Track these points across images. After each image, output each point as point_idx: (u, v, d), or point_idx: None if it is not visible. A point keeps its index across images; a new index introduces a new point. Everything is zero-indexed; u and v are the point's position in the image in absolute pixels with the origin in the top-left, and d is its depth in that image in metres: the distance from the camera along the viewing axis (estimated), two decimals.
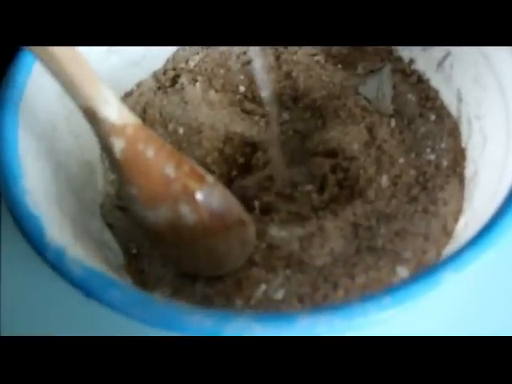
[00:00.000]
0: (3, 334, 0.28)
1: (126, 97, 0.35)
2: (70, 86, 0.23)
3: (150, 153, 0.24)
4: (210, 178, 0.27)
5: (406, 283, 0.20)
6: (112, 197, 0.32)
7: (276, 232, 0.30)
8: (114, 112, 0.23)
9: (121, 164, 0.24)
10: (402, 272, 0.28)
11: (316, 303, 0.28)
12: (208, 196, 0.26)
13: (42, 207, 0.24)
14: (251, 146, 0.33)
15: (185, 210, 0.25)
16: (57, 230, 0.24)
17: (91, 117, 0.23)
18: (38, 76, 0.27)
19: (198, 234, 0.26)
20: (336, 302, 0.26)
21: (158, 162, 0.25)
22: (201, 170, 0.27)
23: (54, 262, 0.22)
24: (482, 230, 0.22)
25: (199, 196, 0.26)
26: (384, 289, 0.20)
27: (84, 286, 0.21)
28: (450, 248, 0.28)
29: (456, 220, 0.29)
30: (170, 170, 0.25)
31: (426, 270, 0.20)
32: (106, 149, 0.24)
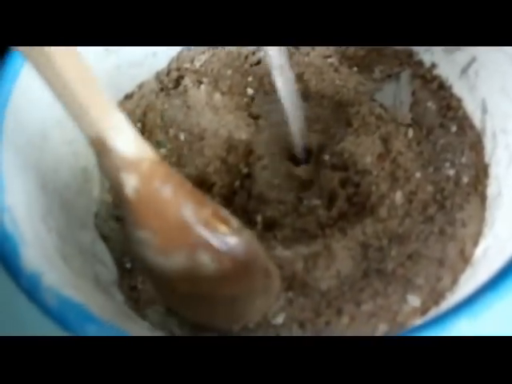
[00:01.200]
0: None
1: (126, 99, 0.33)
2: (73, 108, 0.20)
3: (168, 192, 0.21)
4: (235, 223, 0.23)
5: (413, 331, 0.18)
6: (108, 205, 0.30)
7: (279, 250, 0.28)
8: (128, 142, 0.20)
9: (132, 204, 0.21)
10: (413, 301, 0.25)
11: (318, 330, 0.26)
12: (232, 243, 0.23)
13: (22, 224, 0.23)
14: (257, 155, 0.31)
15: (205, 258, 0.22)
16: (36, 250, 0.22)
17: (99, 147, 0.20)
18: (26, 80, 0.26)
19: (218, 285, 0.23)
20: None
21: (176, 202, 0.22)
22: (225, 213, 0.23)
23: (29, 290, 0.20)
24: (506, 266, 0.20)
25: (222, 243, 0.22)
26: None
27: (59, 319, 0.20)
28: (467, 275, 0.26)
29: (475, 244, 0.27)
30: (189, 213, 0.22)
31: (434, 319, 0.18)
32: (115, 185, 0.21)
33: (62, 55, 0.19)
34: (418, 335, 0.18)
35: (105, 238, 0.29)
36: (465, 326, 0.18)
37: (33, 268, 0.21)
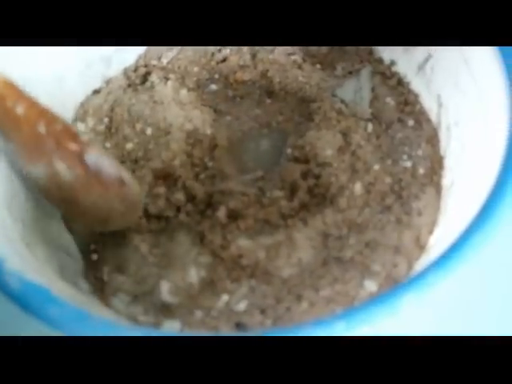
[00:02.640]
0: None
1: (94, 94, 0.33)
2: None
3: (20, 110, 0.25)
4: (84, 139, 0.27)
5: (361, 308, 0.19)
6: None
7: (242, 240, 0.28)
8: None
9: None
10: (370, 286, 0.26)
11: (278, 316, 0.26)
12: (83, 154, 0.26)
13: None
14: (222, 149, 0.31)
15: (61, 166, 0.25)
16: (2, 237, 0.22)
17: None
18: None
19: (78, 191, 0.26)
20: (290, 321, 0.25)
21: (30, 119, 0.25)
22: (74, 129, 0.28)
23: None
24: (450, 248, 0.21)
25: (73, 153, 0.26)
26: (338, 313, 0.19)
27: (21, 301, 0.20)
28: (422, 262, 0.27)
29: (430, 232, 0.28)
30: (42, 128, 0.25)
31: (383, 294, 0.19)
32: None
33: None
34: (366, 312, 0.19)
35: (71, 231, 0.30)
36: (410, 303, 0.19)
37: None
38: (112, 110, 0.33)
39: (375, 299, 0.19)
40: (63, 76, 0.32)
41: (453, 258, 0.20)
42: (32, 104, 0.25)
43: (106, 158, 0.27)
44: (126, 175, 0.28)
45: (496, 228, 0.21)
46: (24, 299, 0.20)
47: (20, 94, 0.25)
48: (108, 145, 0.32)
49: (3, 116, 0.24)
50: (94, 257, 0.29)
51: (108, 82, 0.34)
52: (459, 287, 0.20)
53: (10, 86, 0.25)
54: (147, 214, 0.30)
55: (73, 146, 0.26)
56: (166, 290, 0.27)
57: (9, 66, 0.27)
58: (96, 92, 0.33)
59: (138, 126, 0.32)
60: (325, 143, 0.30)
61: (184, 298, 0.27)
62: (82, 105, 0.33)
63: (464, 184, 0.27)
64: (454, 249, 0.20)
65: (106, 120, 0.33)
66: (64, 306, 0.20)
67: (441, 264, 0.20)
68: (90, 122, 0.33)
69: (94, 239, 0.29)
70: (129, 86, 0.34)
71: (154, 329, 0.25)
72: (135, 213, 0.29)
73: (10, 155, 0.26)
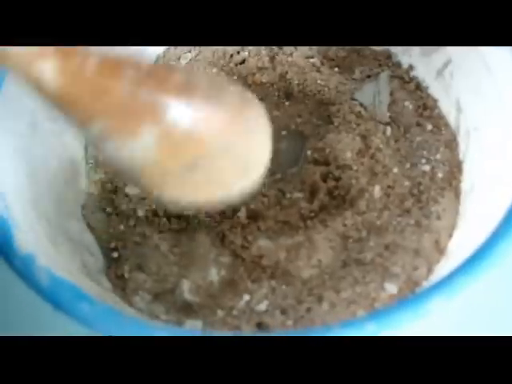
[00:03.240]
0: None
1: None
2: None
3: (92, 67, 0.18)
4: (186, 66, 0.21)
5: (390, 310, 0.19)
6: (95, 198, 0.31)
7: (262, 241, 0.29)
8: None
9: (62, 95, 0.18)
10: (391, 288, 0.27)
11: (299, 316, 0.27)
12: (192, 86, 0.19)
13: (14, 210, 0.23)
14: None
15: (175, 114, 0.19)
16: (28, 235, 0.23)
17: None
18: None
19: (203, 140, 0.20)
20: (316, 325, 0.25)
21: (112, 76, 0.18)
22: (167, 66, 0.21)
23: (22, 270, 0.21)
24: (477, 252, 0.21)
25: (181, 87, 0.19)
26: (368, 314, 0.19)
27: (52, 298, 0.20)
28: (441, 265, 0.27)
29: (450, 236, 0.28)
30: (126, 84, 0.18)
31: (413, 296, 0.19)
32: (34, 85, 0.17)
33: None
34: (395, 315, 0.19)
35: (92, 229, 0.30)
36: (439, 306, 0.19)
37: (26, 249, 0.21)
38: None
39: (404, 302, 0.19)
40: None
41: (481, 261, 0.20)
42: (106, 58, 0.18)
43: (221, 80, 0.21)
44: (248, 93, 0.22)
45: None
46: (54, 296, 0.20)
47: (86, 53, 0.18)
48: None
49: (75, 83, 0.17)
50: (115, 255, 0.29)
51: None
52: (485, 290, 0.20)
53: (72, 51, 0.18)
54: (167, 214, 0.30)
55: (176, 78, 0.19)
56: (186, 289, 0.28)
57: None
58: None
59: None
60: (344, 146, 0.31)
61: (205, 298, 0.28)
62: None
63: (484, 188, 0.27)
64: (481, 252, 0.21)
65: None
66: (94, 303, 0.20)
67: (469, 267, 0.20)
68: None
69: (115, 237, 0.30)
70: None
71: (179, 328, 0.25)
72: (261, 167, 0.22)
73: (93, 141, 0.20)
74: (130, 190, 0.31)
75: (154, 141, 0.19)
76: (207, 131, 0.20)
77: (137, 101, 0.18)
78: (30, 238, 0.22)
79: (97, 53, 0.18)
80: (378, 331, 0.19)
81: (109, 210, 0.31)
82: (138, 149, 0.19)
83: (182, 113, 0.19)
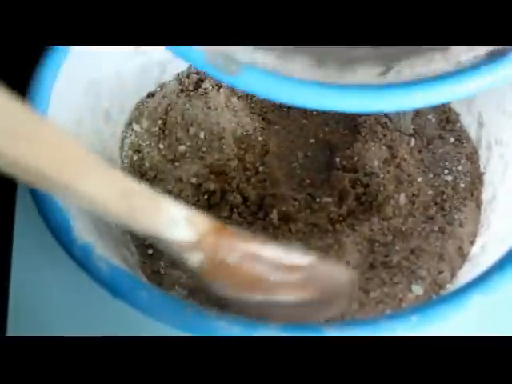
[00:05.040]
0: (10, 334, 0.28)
1: (149, 97, 0.35)
2: (127, 220, 0.20)
3: (235, 258, 0.22)
4: (306, 258, 0.24)
5: (433, 303, 0.21)
6: None
7: (294, 242, 0.30)
8: (185, 231, 0.20)
9: (202, 274, 0.22)
10: (417, 290, 0.28)
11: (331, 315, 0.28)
12: (304, 274, 0.23)
13: (69, 204, 0.24)
14: (272, 155, 0.33)
15: (284, 294, 0.23)
16: (84, 225, 0.24)
17: (159, 239, 0.21)
18: (67, 70, 0.27)
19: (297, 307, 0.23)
20: (361, 318, 0.26)
21: (246, 264, 0.22)
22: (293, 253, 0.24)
23: (81, 259, 0.22)
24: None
25: (296, 277, 0.23)
26: (411, 307, 0.20)
27: (111, 285, 0.21)
28: (464, 270, 0.28)
29: (472, 242, 0.29)
30: (263, 266, 0.22)
31: (454, 291, 0.21)
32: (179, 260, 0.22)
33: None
34: (436, 308, 0.20)
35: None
36: (478, 301, 0.21)
37: (85, 239, 0.22)
38: (166, 113, 0.34)
39: (444, 297, 0.21)
40: (122, 78, 0.33)
41: None
42: (246, 243, 0.22)
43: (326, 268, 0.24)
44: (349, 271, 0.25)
45: None
46: (114, 283, 0.21)
47: (232, 239, 0.22)
48: (161, 146, 0.34)
49: (215, 269, 0.21)
50: (150, 251, 0.30)
51: (162, 86, 0.35)
52: None
53: (222, 233, 0.22)
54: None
55: (297, 276, 0.23)
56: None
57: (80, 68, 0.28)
58: (151, 95, 0.35)
59: (192, 130, 0.34)
60: (372, 155, 0.32)
61: None
62: (138, 107, 0.34)
63: (505, 199, 0.29)
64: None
65: (159, 122, 0.34)
66: (151, 291, 0.21)
67: (505, 266, 0.22)
68: (145, 123, 0.34)
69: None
70: (181, 91, 0.35)
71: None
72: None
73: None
74: (161, 190, 0.32)
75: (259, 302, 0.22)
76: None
77: (258, 281, 0.22)
78: (85, 227, 0.23)
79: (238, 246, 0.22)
80: (419, 324, 0.20)
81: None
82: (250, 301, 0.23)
83: (289, 294, 0.23)
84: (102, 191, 0.18)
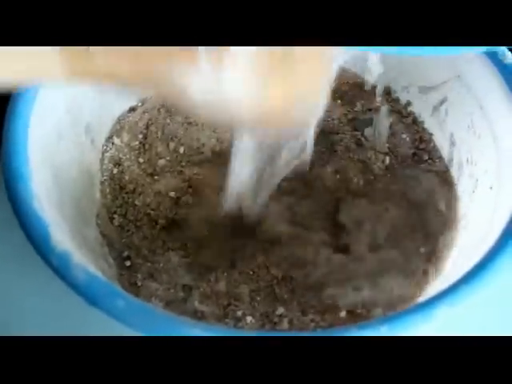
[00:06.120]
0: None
1: (130, 112, 0.35)
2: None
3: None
4: None
5: (401, 314, 0.21)
6: (108, 209, 0.33)
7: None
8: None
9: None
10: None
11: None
12: None
13: (47, 212, 0.25)
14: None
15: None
16: (61, 234, 0.24)
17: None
18: (44, 92, 0.28)
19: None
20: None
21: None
22: None
23: (59, 267, 0.22)
24: (476, 268, 0.23)
25: None
26: (382, 317, 0.21)
27: (88, 294, 0.22)
28: (435, 284, 0.29)
29: (446, 258, 0.30)
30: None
31: (421, 303, 0.21)
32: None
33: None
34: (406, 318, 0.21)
35: (105, 237, 0.31)
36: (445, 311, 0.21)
37: (62, 247, 0.23)
38: (147, 127, 0.35)
39: (413, 308, 0.22)
40: (104, 91, 0.33)
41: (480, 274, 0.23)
42: None
43: None
44: None
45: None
46: (92, 292, 0.22)
47: None
48: (141, 160, 0.34)
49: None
50: (127, 263, 0.30)
51: (143, 101, 0.36)
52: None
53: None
54: (178, 226, 0.31)
55: None
56: (197, 299, 0.29)
57: None
58: (132, 110, 0.35)
59: (172, 145, 0.34)
60: (347, 171, 0.33)
61: (214, 307, 0.29)
62: (119, 121, 0.35)
63: (475, 217, 0.30)
64: (479, 269, 0.23)
65: (140, 136, 0.35)
66: (128, 300, 0.22)
67: (469, 280, 0.22)
68: (125, 137, 0.35)
69: (127, 247, 0.31)
70: (162, 106, 0.36)
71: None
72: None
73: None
74: (140, 203, 0.33)
75: None
76: None
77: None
78: (63, 235, 0.24)
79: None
80: (389, 333, 0.21)
81: (121, 220, 0.32)
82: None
83: None
84: None
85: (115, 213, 0.32)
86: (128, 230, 0.32)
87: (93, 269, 0.23)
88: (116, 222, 0.32)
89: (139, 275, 0.30)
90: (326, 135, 0.35)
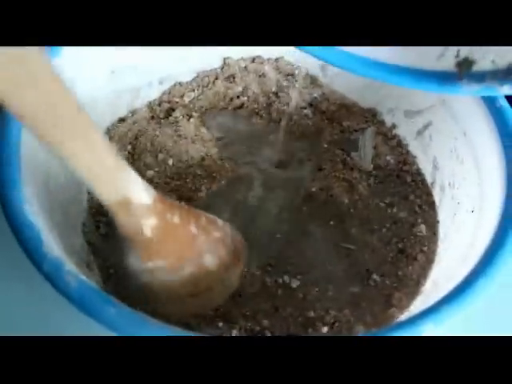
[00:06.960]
0: None
1: (120, 122, 0.35)
2: (94, 182, 0.22)
3: (177, 219, 0.24)
4: (219, 221, 0.27)
5: (389, 329, 0.22)
6: (94, 217, 0.32)
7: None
8: (144, 192, 0.23)
9: (150, 241, 0.24)
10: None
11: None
12: (223, 238, 0.27)
13: (38, 217, 0.24)
14: (244, 186, 0.34)
15: (209, 258, 0.26)
16: (53, 241, 0.24)
17: (121, 205, 0.22)
18: None
19: (218, 275, 0.26)
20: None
21: (184, 224, 0.25)
22: (211, 216, 0.27)
23: (51, 274, 0.22)
24: (461, 286, 0.24)
25: (219, 240, 0.26)
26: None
27: (80, 301, 0.21)
28: (418, 302, 0.30)
29: (426, 277, 0.31)
30: (193, 228, 0.25)
31: (407, 320, 0.22)
32: (133, 232, 0.23)
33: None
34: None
35: (90, 245, 0.31)
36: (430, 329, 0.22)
37: (54, 253, 0.23)
38: (136, 138, 0.35)
39: (401, 325, 0.22)
40: (96, 101, 0.34)
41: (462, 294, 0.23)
42: (181, 207, 0.26)
43: (237, 234, 0.28)
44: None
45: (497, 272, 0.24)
46: (83, 299, 0.21)
47: (171, 202, 0.25)
48: None
49: (163, 233, 0.24)
50: (111, 271, 0.30)
51: (133, 112, 0.36)
52: None
53: (163, 198, 0.24)
54: None
55: (217, 234, 0.26)
56: None
57: None
58: (122, 120, 0.36)
59: (161, 156, 0.34)
60: (334, 190, 0.34)
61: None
62: (109, 131, 0.35)
63: (456, 239, 0.31)
64: (462, 288, 0.24)
65: (129, 147, 0.35)
66: (119, 308, 0.22)
67: (452, 300, 0.23)
68: (114, 147, 0.35)
69: (112, 255, 0.31)
70: (152, 118, 0.36)
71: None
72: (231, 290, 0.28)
73: (141, 275, 0.25)
74: None
75: (189, 275, 0.25)
76: (221, 270, 0.26)
77: (191, 244, 0.25)
78: (54, 243, 0.24)
79: (176, 205, 0.26)
80: None
81: (106, 230, 0.32)
82: (174, 278, 0.25)
83: (213, 258, 0.26)
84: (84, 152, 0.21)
85: (101, 221, 0.32)
86: (112, 240, 0.32)
87: (83, 275, 0.23)
88: (102, 231, 0.32)
89: (122, 283, 0.30)
90: (312, 153, 0.36)
